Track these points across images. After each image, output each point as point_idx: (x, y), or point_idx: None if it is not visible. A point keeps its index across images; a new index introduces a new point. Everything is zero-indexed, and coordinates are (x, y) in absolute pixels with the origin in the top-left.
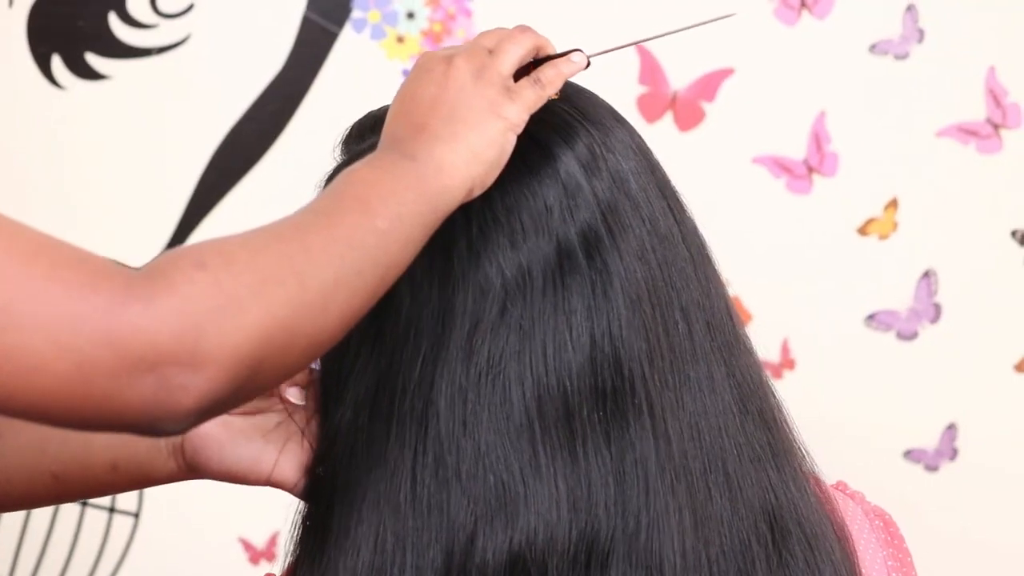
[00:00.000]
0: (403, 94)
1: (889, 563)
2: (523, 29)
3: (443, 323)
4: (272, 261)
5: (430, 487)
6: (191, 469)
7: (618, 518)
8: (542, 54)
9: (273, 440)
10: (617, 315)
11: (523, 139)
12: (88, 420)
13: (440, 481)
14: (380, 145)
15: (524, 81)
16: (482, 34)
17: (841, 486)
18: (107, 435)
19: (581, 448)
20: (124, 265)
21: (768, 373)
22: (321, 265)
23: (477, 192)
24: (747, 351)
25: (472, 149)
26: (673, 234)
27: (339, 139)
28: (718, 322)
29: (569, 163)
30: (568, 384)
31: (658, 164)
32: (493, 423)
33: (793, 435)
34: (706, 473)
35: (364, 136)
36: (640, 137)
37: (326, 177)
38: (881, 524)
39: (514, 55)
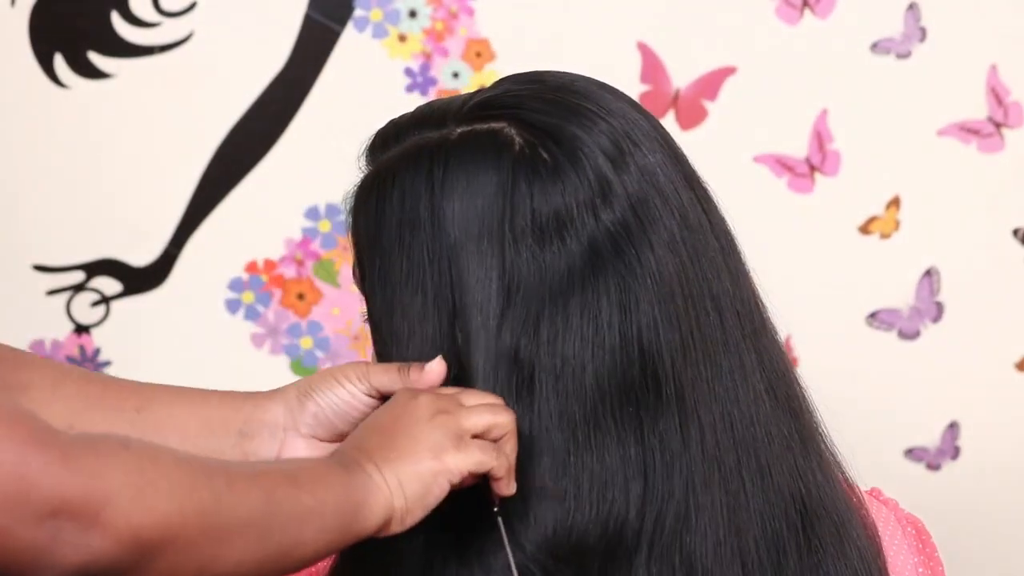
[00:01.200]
0: (371, 416)
1: (920, 570)
2: (509, 412)
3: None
4: (194, 476)
5: None
6: None
7: (649, 510)
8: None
9: None
10: (649, 310)
11: (546, 139)
12: None
13: None
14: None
15: (483, 442)
16: (468, 392)
17: (875, 492)
18: (195, 448)
19: (613, 442)
20: (28, 414)
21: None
22: (239, 499)
23: (395, 527)
24: (773, 339)
25: (398, 478)
26: (702, 224)
27: (363, 149)
28: (747, 310)
29: (596, 160)
30: (599, 381)
31: (683, 154)
32: (525, 421)
33: (816, 420)
34: (739, 462)
35: (387, 144)
36: (663, 128)
37: (352, 191)
38: (913, 532)
39: (484, 420)
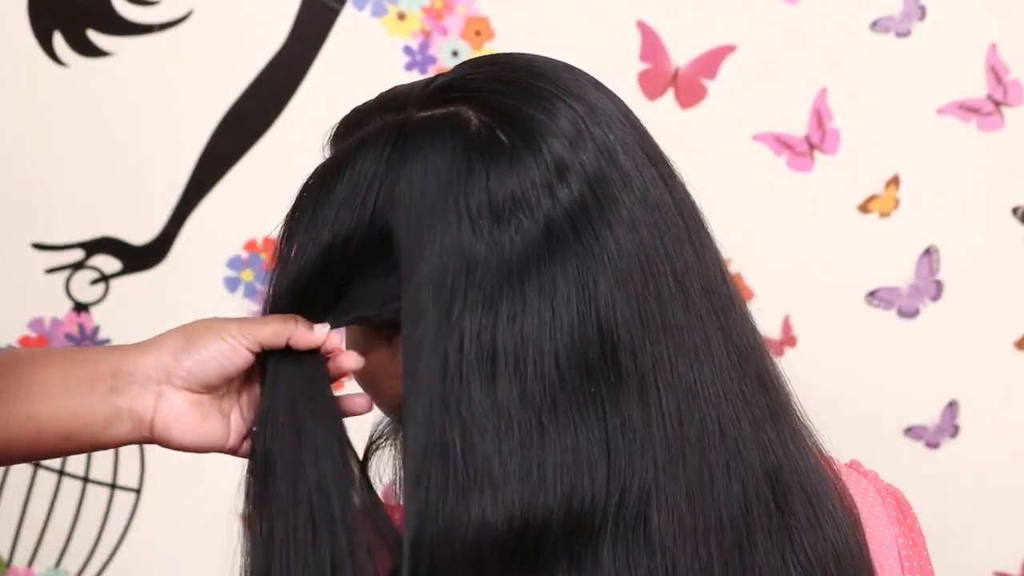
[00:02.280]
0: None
1: (900, 540)
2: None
3: (438, 304)
4: None
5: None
6: (157, 442)
7: (612, 490)
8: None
9: (224, 413)
10: (607, 289)
11: (503, 120)
12: None
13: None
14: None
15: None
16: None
17: (855, 464)
18: (56, 409)
19: (575, 423)
20: None
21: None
22: None
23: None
24: (742, 313)
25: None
26: (664, 202)
27: (327, 136)
28: (713, 286)
29: (552, 140)
30: (559, 363)
31: (646, 132)
32: (485, 401)
33: (789, 393)
34: (704, 439)
35: (350, 131)
36: (625, 106)
37: (315, 172)
38: (894, 502)
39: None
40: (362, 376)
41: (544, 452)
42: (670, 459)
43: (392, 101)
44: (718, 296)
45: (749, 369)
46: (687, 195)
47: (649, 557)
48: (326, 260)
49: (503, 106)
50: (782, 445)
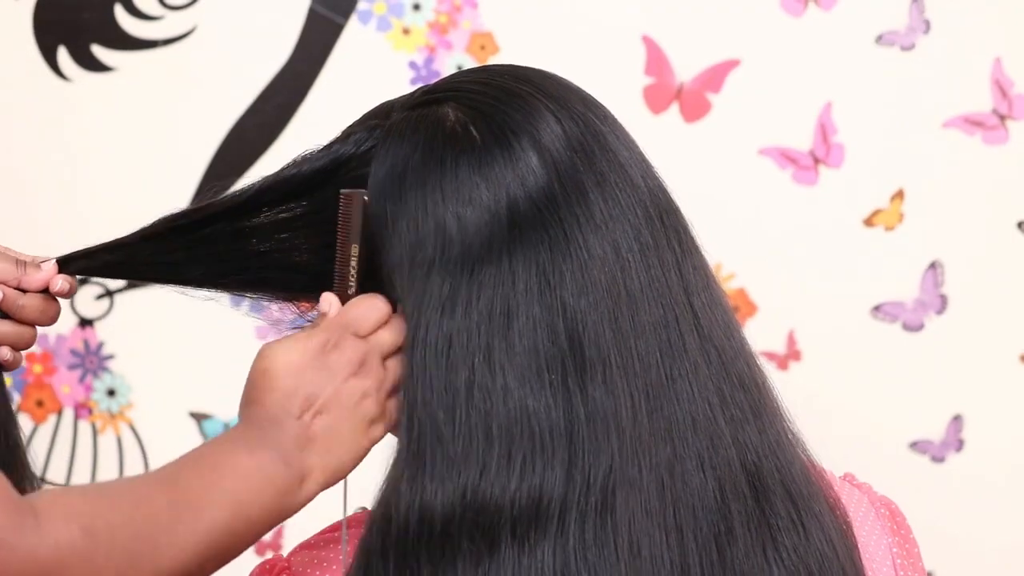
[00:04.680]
0: (291, 367)
1: (894, 550)
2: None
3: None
4: (142, 549)
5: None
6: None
7: (576, 478)
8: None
9: None
10: (571, 282)
11: (479, 117)
12: None
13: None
14: (261, 413)
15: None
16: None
17: (849, 477)
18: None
19: (539, 410)
20: (19, 499)
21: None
22: (179, 555)
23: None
24: (725, 317)
25: (341, 470)
26: (641, 203)
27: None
28: (692, 288)
29: (526, 137)
30: (525, 348)
31: (628, 137)
32: (459, 380)
33: (776, 400)
34: (671, 431)
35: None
36: (606, 110)
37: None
38: (887, 513)
39: (387, 339)
40: None
41: (505, 436)
42: (638, 448)
43: (379, 110)
44: (697, 296)
45: (730, 370)
46: (669, 199)
47: (615, 540)
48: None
49: (481, 104)
50: (766, 447)
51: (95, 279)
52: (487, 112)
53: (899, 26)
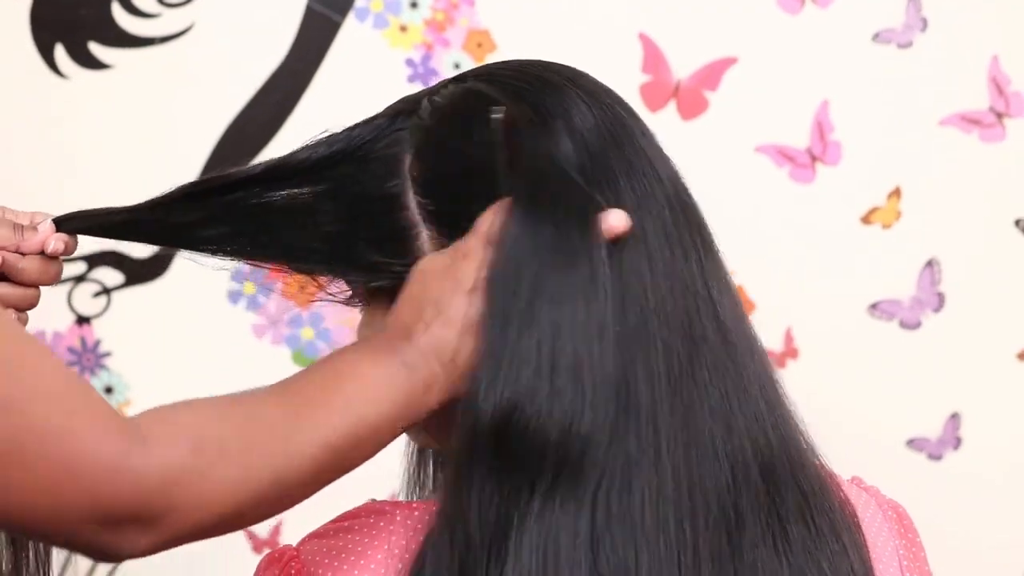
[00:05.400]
0: (431, 275)
1: (900, 552)
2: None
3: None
4: (256, 460)
5: None
6: None
7: (615, 439)
8: None
9: None
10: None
11: (518, 97)
12: (42, 539)
13: None
14: (395, 322)
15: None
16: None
17: (856, 480)
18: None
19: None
20: (125, 420)
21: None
22: (297, 464)
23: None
24: (740, 307)
25: (462, 381)
26: (666, 193)
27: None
28: (717, 280)
29: (561, 120)
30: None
31: (651, 135)
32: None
33: (793, 409)
34: (689, 418)
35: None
36: (630, 107)
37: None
38: (895, 516)
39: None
40: None
41: (571, 371)
42: (658, 427)
43: (406, 101)
44: (716, 288)
45: (746, 363)
46: (689, 195)
47: (633, 516)
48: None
49: (516, 88)
50: (778, 440)
51: (92, 277)
52: (521, 95)
53: (896, 24)
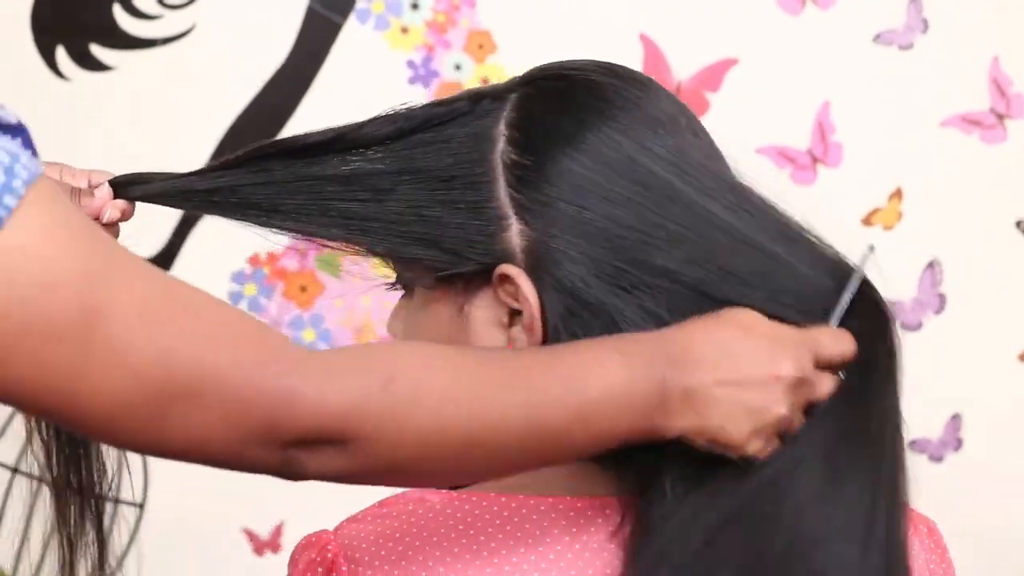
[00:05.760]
0: (730, 343)
1: (931, 567)
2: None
3: None
4: (452, 413)
5: None
6: None
7: None
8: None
9: None
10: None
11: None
12: (226, 467)
13: None
14: (684, 348)
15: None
16: (824, 333)
17: None
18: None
19: None
20: (296, 351)
21: None
22: (495, 430)
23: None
24: None
25: (706, 435)
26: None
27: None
28: None
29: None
30: None
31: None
32: None
33: None
34: None
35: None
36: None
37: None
38: (926, 531)
39: (827, 389)
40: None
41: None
42: None
43: (488, 87)
44: None
45: None
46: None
47: None
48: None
49: (599, 85)
50: None
51: None
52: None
53: (897, 25)
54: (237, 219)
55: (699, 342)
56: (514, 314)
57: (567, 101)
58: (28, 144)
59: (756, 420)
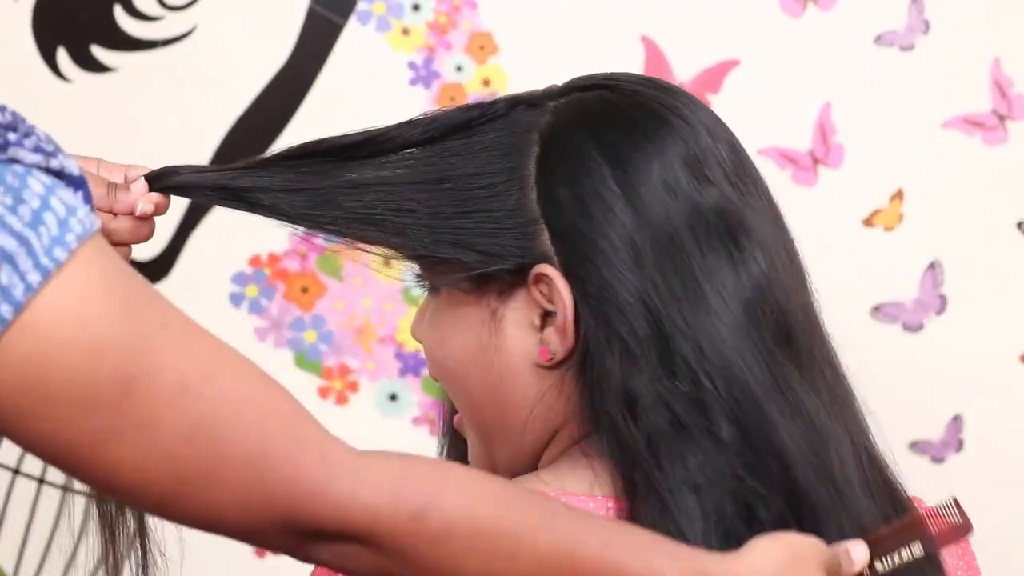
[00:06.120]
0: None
1: (959, 573)
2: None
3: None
4: (478, 563)
5: None
6: None
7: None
8: None
9: None
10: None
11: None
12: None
13: None
14: (732, 561)
15: None
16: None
17: (917, 499)
18: None
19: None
20: (335, 446)
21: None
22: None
23: None
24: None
25: None
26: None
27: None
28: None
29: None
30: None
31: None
32: None
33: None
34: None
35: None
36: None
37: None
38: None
39: None
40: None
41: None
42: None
43: (525, 94)
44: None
45: (841, 380)
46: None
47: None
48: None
49: (640, 97)
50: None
51: None
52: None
53: (898, 26)
54: (270, 217)
55: (758, 560)
56: (546, 316)
57: (607, 116)
58: (88, 198)
59: None
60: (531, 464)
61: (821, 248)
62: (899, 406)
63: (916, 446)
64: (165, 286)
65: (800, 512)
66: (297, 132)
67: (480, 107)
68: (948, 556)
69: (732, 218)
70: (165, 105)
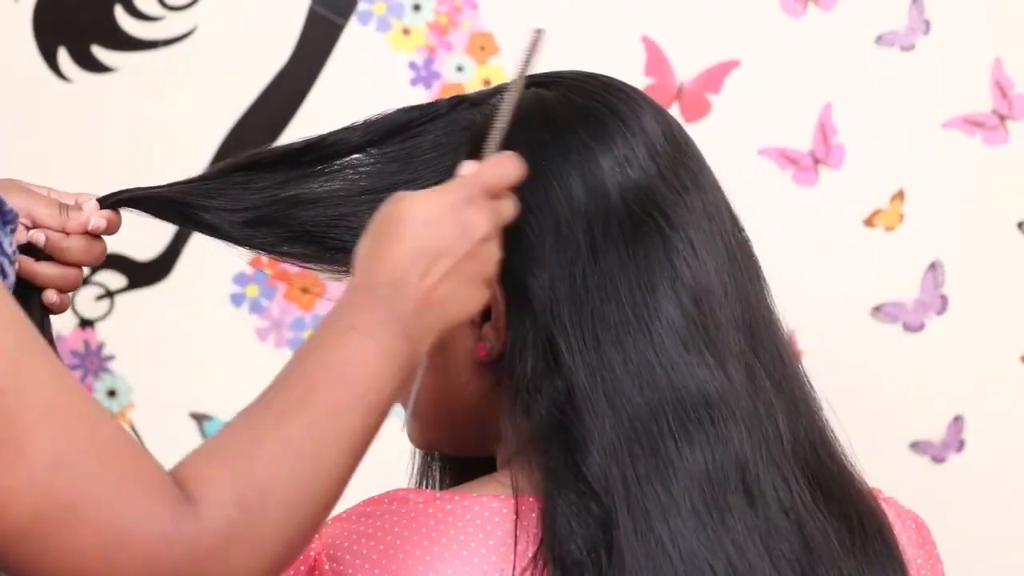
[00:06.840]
0: (413, 242)
1: (918, 561)
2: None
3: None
4: (295, 494)
5: None
6: None
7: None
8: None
9: None
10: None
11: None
12: None
13: None
14: (381, 269)
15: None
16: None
17: (875, 492)
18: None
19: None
20: (172, 484)
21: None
22: (330, 480)
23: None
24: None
25: (450, 327)
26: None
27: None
28: (766, 297)
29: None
30: None
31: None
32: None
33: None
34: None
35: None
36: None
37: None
38: (914, 526)
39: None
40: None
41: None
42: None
43: (473, 93)
44: (767, 305)
45: (792, 372)
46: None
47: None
48: None
49: (581, 95)
50: (826, 451)
51: (95, 280)
52: (593, 98)
53: (899, 26)
54: (214, 237)
55: (390, 263)
56: (487, 313)
57: (540, 115)
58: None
59: (480, 283)
60: (489, 461)
61: (822, 248)
62: (900, 406)
63: (917, 446)
64: (165, 286)
65: None
66: (297, 132)
67: (421, 108)
68: (909, 547)
69: (657, 215)
70: (166, 105)
